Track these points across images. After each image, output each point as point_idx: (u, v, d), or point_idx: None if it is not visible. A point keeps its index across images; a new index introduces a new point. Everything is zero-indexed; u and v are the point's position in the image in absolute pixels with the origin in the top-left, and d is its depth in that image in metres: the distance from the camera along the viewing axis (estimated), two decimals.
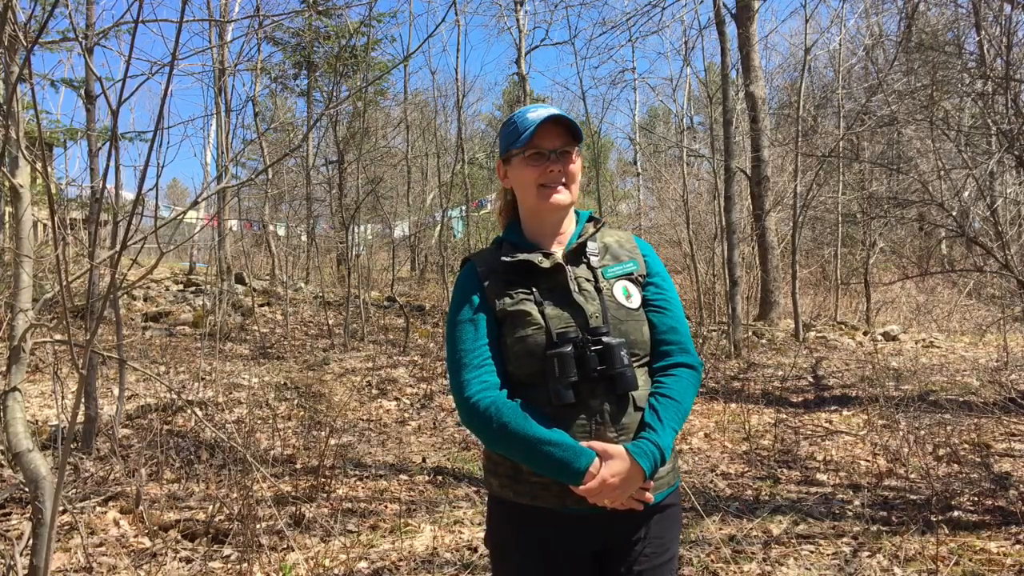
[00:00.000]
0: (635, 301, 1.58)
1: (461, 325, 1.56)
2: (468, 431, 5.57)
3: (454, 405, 6.14)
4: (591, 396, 1.47)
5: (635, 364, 1.53)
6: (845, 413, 6.35)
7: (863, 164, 13.84)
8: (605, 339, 1.47)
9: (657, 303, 1.61)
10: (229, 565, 3.17)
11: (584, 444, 1.45)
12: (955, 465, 4.62)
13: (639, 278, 1.62)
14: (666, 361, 1.56)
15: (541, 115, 1.55)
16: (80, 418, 4.52)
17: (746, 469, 4.82)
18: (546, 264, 1.55)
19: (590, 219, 1.68)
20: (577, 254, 1.61)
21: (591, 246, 1.62)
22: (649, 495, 1.49)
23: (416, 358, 8.58)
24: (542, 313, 1.52)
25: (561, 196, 1.58)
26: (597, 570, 1.56)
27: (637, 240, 1.71)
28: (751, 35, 12.20)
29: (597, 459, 1.44)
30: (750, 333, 10.91)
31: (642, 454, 1.45)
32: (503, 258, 1.59)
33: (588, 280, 1.57)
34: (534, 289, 1.55)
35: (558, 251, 1.62)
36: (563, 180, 1.58)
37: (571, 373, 1.44)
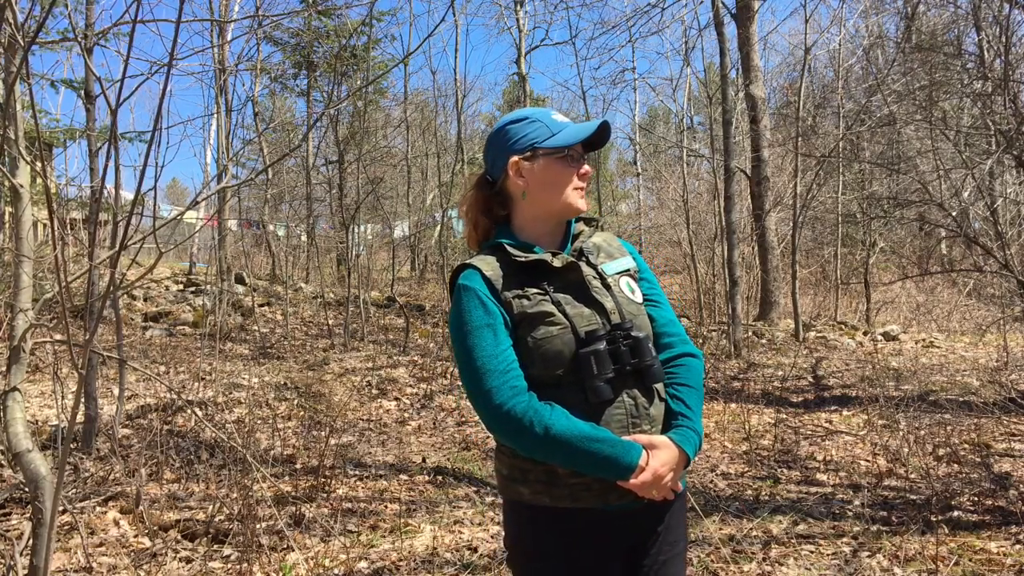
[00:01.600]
0: (639, 296, 1.62)
1: (479, 331, 1.49)
2: (485, 434, 5.59)
3: (457, 406, 6.09)
4: (623, 390, 1.49)
5: None
6: (845, 413, 6.35)
7: (863, 164, 13.84)
8: (633, 333, 1.49)
9: (652, 298, 1.66)
10: (229, 565, 3.17)
11: (628, 438, 1.46)
12: (955, 465, 4.62)
13: (635, 275, 1.66)
14: (670, 352, 1.60)
15: (582, 122, 1.61)
16: (80, 418, 4.52)
17: (746, 469, 4.82)
18: (558, 263, 1.55)
19: (580, 219, 1.69)
20: (578, 253, 1.63)
21: (586, 245, 1.64)
22: (679, 484, 1.51)
23: (416, 358, 8.59)
24: (563, 312, 1.51)
25: (585, 201, 1.63)
26: (627, 565, 1.56)
27: (620, 240, 1.75)
28: (751, 35, 12.20)
29: (645, 451, 1.45)
30: (750, 333, 10.91)
31: (686, 441, 1.49)
32: (516, 258, 1.55)
33: (595, 277, 1.58)
34: (548, 289, 1.55)
35: (572, 251, 1.64)
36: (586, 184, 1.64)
37: (608, 369, 1.45)
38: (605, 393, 1.45)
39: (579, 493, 1.47)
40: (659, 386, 1.54)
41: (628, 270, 1.65)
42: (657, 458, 1.44)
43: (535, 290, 1.54)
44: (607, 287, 1.58)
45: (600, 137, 1.62)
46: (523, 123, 1.60)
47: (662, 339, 1.61)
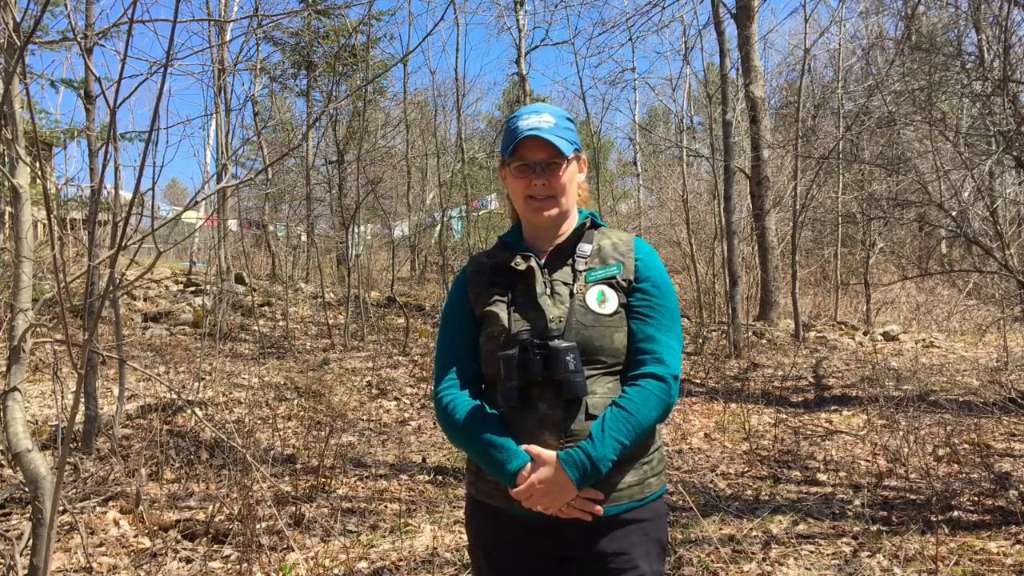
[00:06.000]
0: (610, 306, 1.53)
1: (445, 322, 1.66)
2: None
3: None
4: (539, 400, 1.47)
5: (600, 372, 1.50)
6: (845, 413, 6.35)
7: (863, 164, 13.84)
8: (551, 343, 1.44)
9: (640, 310, 1.55)
10: (229, 565, 3.17)
11: (523, 448, 1.46)
12: (955, 465, 4.62)
13: (621, 282, 1.56)
14: (637, 370, 1.51)
15: (523, 129, 1.54)
16: (80, 418, 4.51)
17: (746, 469, 4.82)
18: (522, 266, 1.56)
19: (584, 221, 1.65)
20: (562, 256, 1.60)
21: (583, 248, 1.60)
22: (598, 507, 1.46)
23: (416, 358, 8.58)
24: (509, 315, 1.54)
25: (550, 211, 1.57)
26: None
27: (637, 243, 1.63)
28: (751, 35, 12.18)
29: (530, 463, 1.44)
30: (750, 333, 10.90)
31: (571, 463, 1.42)
32: (486, 258, 1.65)
33: (565, 284, 1.56)
34: (510, 292, 1.57)
35: (548, 253, 1.63)
36: (550, 193, 1.56)
37: (514, 376, 1.45)
38: (511, 399, 1.46)
39: (492, 491, 1.53)
40: (593, 401, 1.47)
41: (612, 278, 1.56)
42: (538, 473, 1.43)
43: (497, 291, 1.58)
44: (572, 294, 1.53)
45: (532, 148, 1.54)
46: (504, 129, 1.64)
47: (635, 355, 1.53)
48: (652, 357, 1.51)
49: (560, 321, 1.50)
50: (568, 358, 1.43)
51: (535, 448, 1.45)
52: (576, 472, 1.42)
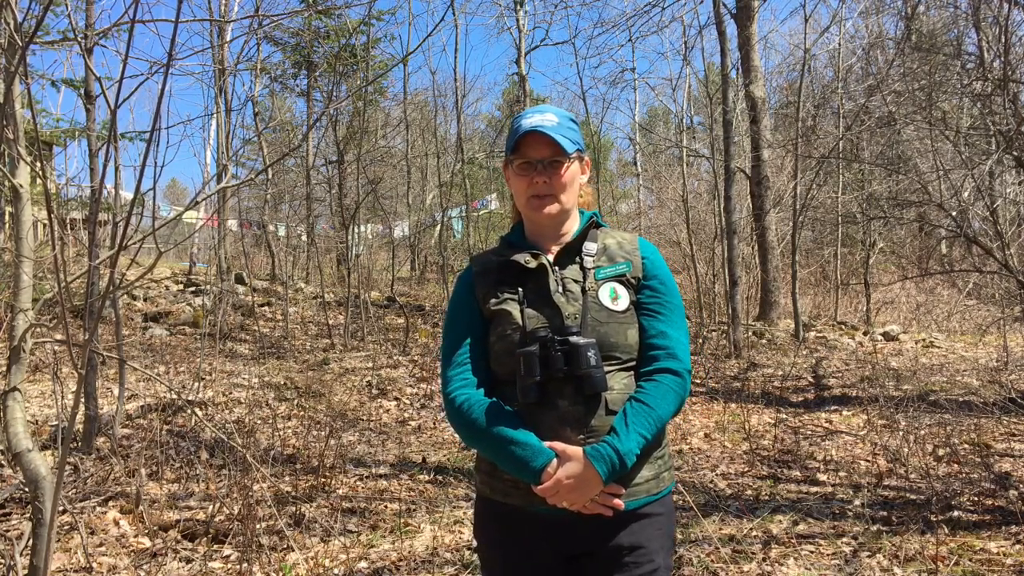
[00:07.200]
0: (622, 303, 1.56)
1: (452, 322, 1.63)
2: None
3: None
4: (559, 396, 1.48)
5: (616, 367, 1.52)
6: (845, 413, 6.35)
7: (863, 164, 13.84)
8: (572, 339, 1.46)
9: (650, 307, 1.58)
10: (229, 565, 3.17)
11: (547, 444, 1.46)
12: (955, 465, 4.62)
13: (631, 280, 1.59)
14: (651, 366, 1.54)
15: (525, 126, 1.56)
16: (80, 418, 4.51)
17: (746, 469, 4.82)
18: (532, 264, 1.57)
19: (590, 220, 1.67)
20: (570, 254, 1.61)
21: (589, 247, 1.61)
22: (619, 501, 1.47)
23: (416, 358, 8.58)
24: (522, 313, 1.53)
25: (551, 208, 1.58)
26: (573, 574, 1.56)
27: (641, 242, 1.67)
28: (751, 35, 12.19)
29: (555, 459, 1.44)
30: (750, 333, 10.90)
31: (599, 458, 1.43)
32: (493, 256, 1.64)
33: (576, 281, 1.57)
34: (520, 289, 1.57)
35: (557, 252, 1.63)
36: (552, 191, 1.58)
37: (535, 372, 1.45)
38: (531, 395, 1.46)
39: (510, 490, 1.52)
40: (612, 397, 1.49)
41: (622, 275, 1.58)
42: (564, 469, 1.43)
43: (508, 289, 1.58)
44: (584, 291, 1.55)
45: (535, 145, 1.56)
46: (511, 125, 1.64)
47: (648, 351, 1.55)
48: (666, 352, 1.54)
49: (575, 318, 1.52)
50: (590, 354, 1.45)
51: (559, 444, 1.46)
52: (604, 466, 1.43)
